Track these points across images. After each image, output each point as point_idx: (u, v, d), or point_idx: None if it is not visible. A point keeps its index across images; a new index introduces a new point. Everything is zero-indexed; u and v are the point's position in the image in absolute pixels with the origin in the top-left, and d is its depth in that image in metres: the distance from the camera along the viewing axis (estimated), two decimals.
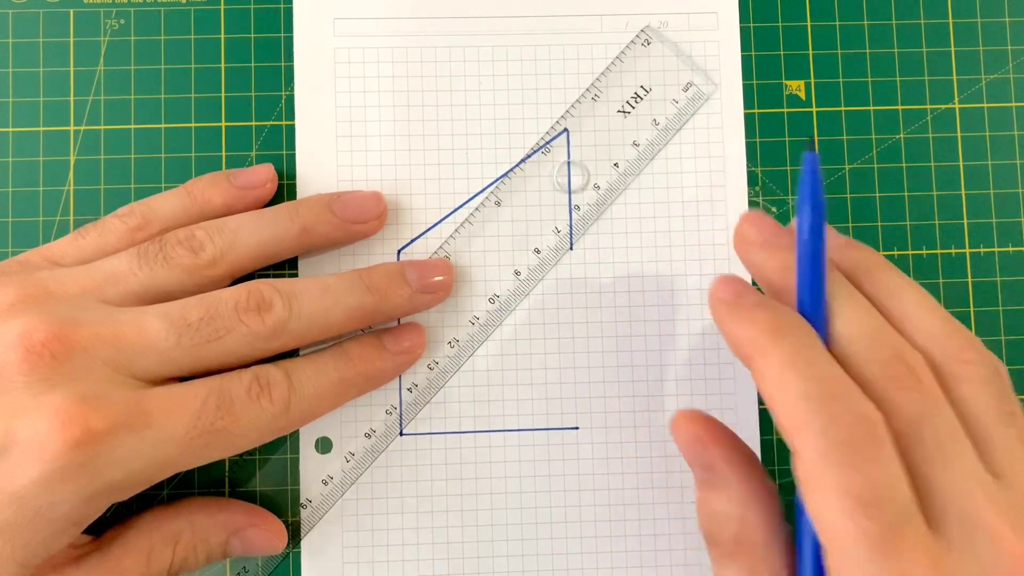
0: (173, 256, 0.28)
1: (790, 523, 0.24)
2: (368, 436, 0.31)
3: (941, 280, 0.33)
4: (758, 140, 0.33)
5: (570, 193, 0.32)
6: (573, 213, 0.32)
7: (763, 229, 0.25)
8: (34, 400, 0.24)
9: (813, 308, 0.23)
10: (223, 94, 0.32)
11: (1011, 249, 0.33)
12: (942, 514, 0.21)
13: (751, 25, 0.33)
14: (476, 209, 0.32)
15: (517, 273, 0.32)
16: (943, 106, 0.33)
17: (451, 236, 0.32)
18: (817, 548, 0.22)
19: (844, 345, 0.23)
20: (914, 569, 0.20)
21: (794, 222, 0.24)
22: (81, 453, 0.23)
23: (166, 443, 0.25)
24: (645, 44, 0.33)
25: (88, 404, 0.24)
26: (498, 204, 0.32)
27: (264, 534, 0.29)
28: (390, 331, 0.30)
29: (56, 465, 0.23)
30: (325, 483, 0.31)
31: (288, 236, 0.29)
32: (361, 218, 0.30)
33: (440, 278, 0.30)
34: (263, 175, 0.31)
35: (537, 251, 0.32)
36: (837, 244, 0.26)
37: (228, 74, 0.32)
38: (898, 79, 0.33)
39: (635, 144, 0.32)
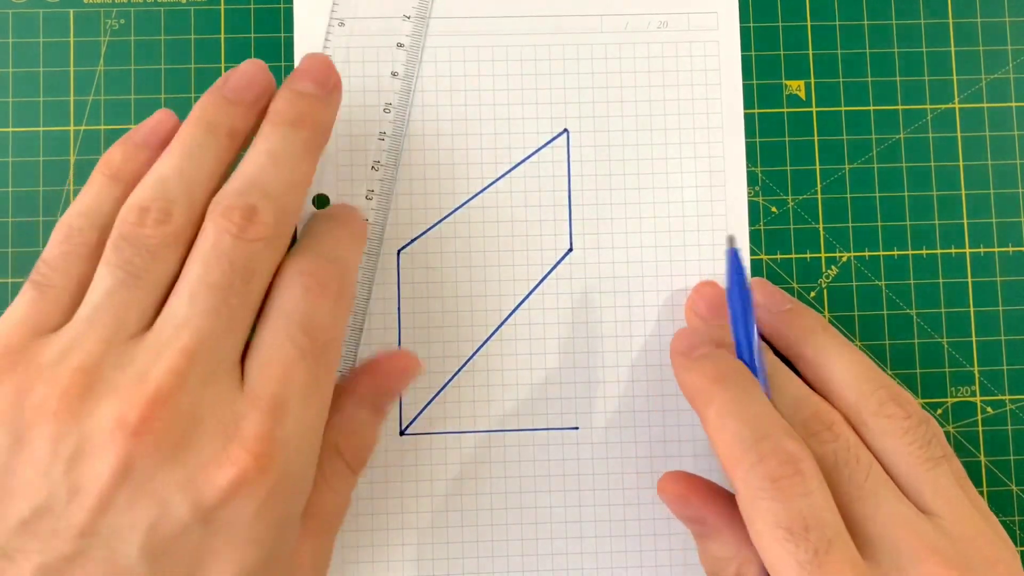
0: (136, 244, 0.24)
1: None
2: None
3: (941, 280, 0.33)
4: (758, 140, 0.33)
5: (570, 193, 0.32)
6: (573, 213, 0.32)
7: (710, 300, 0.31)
8: (184, 470, 0.22)
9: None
10: None
11: (1011, 249, 0.33)
12: (872, 546, 0.24)
13: (751, 25, 0.33)
14: (476, 209, 0.32)
15: (517, 273, 0.32)
16: (943, 106, 0.33)
17: (451, 236, 0.32)
18: None
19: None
20: None
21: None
22: (267, 471, 0.23)
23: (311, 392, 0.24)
24: (646, 44, 0.33)
25: (247, 450, 0.23)
26: (498, 204, 0.32)
27: (397, 375, 0.29)
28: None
29: (259, 493, 0.23)
30: None
31: (226, 155, 0.26)
32: (252, 89, 0.27)
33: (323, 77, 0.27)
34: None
35: (537, 251, 0.32)
36: (780, 310, 0.30)
37: None
38: (898, 79, 0.33)
39: (635, 143, 0.32)
